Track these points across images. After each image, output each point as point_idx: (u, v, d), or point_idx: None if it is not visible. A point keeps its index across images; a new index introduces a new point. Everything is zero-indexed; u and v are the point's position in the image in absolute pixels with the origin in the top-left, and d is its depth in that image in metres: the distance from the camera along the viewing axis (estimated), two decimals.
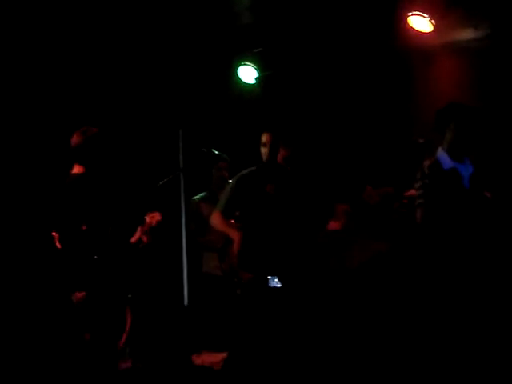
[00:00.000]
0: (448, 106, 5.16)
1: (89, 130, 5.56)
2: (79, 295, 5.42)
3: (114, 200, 5.62)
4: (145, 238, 6.98)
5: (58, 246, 5.90)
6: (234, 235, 5.91)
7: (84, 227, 5.39)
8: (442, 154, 5.08)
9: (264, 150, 6.01)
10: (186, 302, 7.73)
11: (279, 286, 5.83)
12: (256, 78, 8.38)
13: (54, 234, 6.13)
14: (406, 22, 7.04)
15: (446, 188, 4.98)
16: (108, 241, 5.52)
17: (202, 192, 7.24)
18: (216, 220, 6.11)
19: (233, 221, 6.23)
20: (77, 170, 5.49)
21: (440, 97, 6.51)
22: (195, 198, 7.21)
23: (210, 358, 6.61)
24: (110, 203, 5.56)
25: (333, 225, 6.47)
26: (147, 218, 6.96)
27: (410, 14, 6.99)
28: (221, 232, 6.17)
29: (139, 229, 6.94)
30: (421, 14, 6.94)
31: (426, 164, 5.07)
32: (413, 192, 5.29)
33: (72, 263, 5.43)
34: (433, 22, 6.93)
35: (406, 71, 7.42)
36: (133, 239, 6.93)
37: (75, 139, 5.53)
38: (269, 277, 5.88)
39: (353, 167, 7.59)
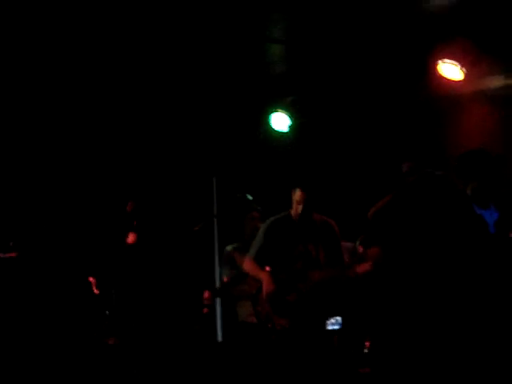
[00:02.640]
0: (469, 153, 5.19)
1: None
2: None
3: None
4: None
5: (96, 291, 6.04)
6: (264, 277, 5.97)
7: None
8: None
9: (297, 206, 6.09)
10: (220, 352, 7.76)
11: (337, 327, 5.91)
12: (289, 126, 8.47)
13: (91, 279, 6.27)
14: (436, 70, 7.08)
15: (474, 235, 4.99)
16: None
17: (235, 240, 7.29)
18: (248, 266, 6.18)
19: (268, 268, 6.29)
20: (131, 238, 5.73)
21: (470, 145, 6.53)
22: (228, 247, 7.25)
23: None
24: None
25: (361, 268, 6.46)
26: None
27: (440, 61, 7.04)
28: (253, 278, 6.22)
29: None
30: (451, 61, 6.98)
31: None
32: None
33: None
34: (463, 69, 6.96)
35: (437, 119, 7.45)
36: None
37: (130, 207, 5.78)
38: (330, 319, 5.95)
39: None
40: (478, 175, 5.09)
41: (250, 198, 7.11)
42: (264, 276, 6.00)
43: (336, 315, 6.57)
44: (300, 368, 5.86)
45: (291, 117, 8.43)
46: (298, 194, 6.07)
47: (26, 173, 8.02)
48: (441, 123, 7.41)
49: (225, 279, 7.12)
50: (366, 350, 6.73)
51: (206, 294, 6.81)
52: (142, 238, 5.82)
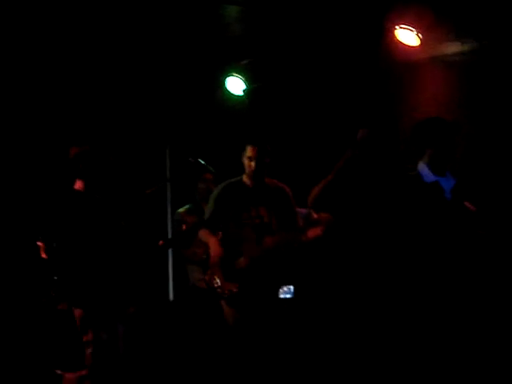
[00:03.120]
0: (426, 121, 5.18)
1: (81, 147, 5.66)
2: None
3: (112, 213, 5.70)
4: None
5: (44, 256, 5.91)
6: (212, 242, 5.95)
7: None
8: (423, 167, 5.10)
9: (249, 163, 6.05)
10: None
11: (289, 296, 5.92)
12: (244, 90, 8.39)
13: (39, 243, 6.14)
14: (393, 36, 7.05)
15: (427, 201, 5.00)
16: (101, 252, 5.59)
17: (187, 204, 7.26)
18: (201, 232, 6.15)
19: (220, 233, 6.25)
20: (78, 185, 5.58)
21: (426, 110, 6.56)
22: (180, 210, 7.24)
23: None
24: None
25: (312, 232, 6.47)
26: None
27: (397, 27, 7.01)
28: (205, 243, 6.19)
29: None
30: (408, 27, 6.95)
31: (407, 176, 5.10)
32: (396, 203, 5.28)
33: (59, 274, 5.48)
34: (419, 35, 6.94)
35: (392, 84, 7.46)
36: None
37: (73, 152, 5.62)
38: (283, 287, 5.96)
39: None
40: (435, 143, 5.07)
41: (203, 162, 7.05)
42: (212, 241, 5.98)
43: (288, 283, 6.57)
44: (250, 335, 5.88)
45: (246, 81, 8.34)
46: (249, 150, 6.04)
47: None
48: (397, 89, 7.42)
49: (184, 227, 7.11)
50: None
51: (161, 242, 6.77)
52: (90, 186, 5.65)
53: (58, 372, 5.50)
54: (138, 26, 7.39)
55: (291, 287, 6.55)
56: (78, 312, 5.46)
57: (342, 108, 7.80)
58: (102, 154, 5.71)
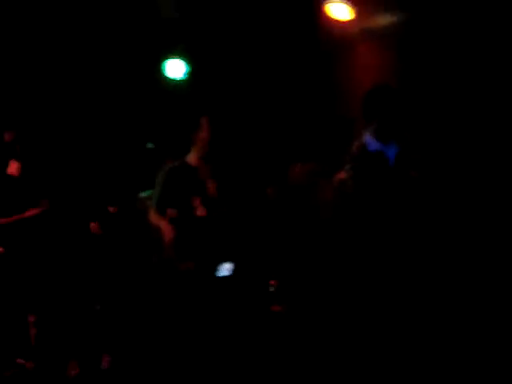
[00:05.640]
0: (375, 90, 5.30)
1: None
2: None
3: None
4: None
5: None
6: (163, 225, 6.05)
7: None
8: (368, 136, 5.27)
9: (202, 135, 6.15)
10: None
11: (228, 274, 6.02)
12: (184, 73, 8.45)
13: None
14: (324, 11, 7.16)
15: (371, 170, 5.18)
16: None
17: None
18: (151, 216, 6.24)
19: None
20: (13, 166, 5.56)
21: (360, 83, 6.67)
22: (142, 194, 7.29)
23: None
24: None
25: None
26: None
27: (328, 2, 7.14)
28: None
29: None
30: (339, 0, 7.08)
31: (353, 146, 5.28)
32: (342, 175, 5.46)
33: None
34: (351, 8, 7.08)
35: (327, 59, 7.55)
36: None
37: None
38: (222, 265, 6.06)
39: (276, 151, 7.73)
40: (382, 111, 5.22)
41: (151, 145, 7.08)
42: (163, 225, 6.07)
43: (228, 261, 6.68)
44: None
45: (185, 63, 8.40)
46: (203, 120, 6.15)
47: None
48: (332, 63, 7.51)
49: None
50: (272, 289, 6.90)
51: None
52: (28, 170, 5.67)
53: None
54: (76, 12, 7.39)
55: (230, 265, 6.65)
56: None
57: (278, 86, 7.90)
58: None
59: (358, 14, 7.09)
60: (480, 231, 5.98)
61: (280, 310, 6.52)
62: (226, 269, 6.21)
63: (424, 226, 5.23)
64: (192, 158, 6.19)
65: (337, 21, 7.17)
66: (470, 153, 6.25)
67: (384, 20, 7.16)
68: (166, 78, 8.53)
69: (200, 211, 6.12)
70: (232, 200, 6.26)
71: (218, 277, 6.10)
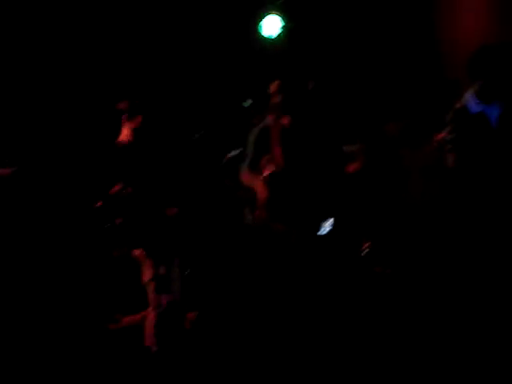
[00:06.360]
0: (481, 49, 5.08)
1: None
2: None
3: None
4: None
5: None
6: (257, 184, 6.04)
7: None
8: (470, 97, 5.10)
9: (274, 100, 6.09)
10: None
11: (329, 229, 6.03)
12: (281, 29, 8.32)
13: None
14: None
15: (473, 133, 5.03)
16: None
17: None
18: (243, 176, 6.24)
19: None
20: None
21: (469, 33, 6.46)
22: (231, 154, 7.27)
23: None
24: None
25: (353, 167, 6.59)
26: None
27: None
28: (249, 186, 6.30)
29: None
30: None
31: (455, 107, 5.12)
32: (443, 135, 5.32)
33: None
34: None
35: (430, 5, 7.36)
36: None
37: None
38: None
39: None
40: (488, 71, 5.00)
41: (248, 103, 7.07)
42: (257, 184, 6.06)
43: (329, 217, 6.65)
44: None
45: (283, 20, 8.27)
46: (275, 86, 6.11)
47: None
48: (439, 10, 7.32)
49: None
50: (366, 251, 6.84)
51: None
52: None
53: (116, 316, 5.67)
54: None
55: (331, 220, 6.61)
56: (137, 252, 5.62)
57: (381, 40, 7.76)
58: None
59: None
60: None
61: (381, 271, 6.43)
62: (328, 225, 6.22)
63: None
64: (270, 120, 6.17)
65: None
66: None
67: None
68: (261, 36, 8.43)
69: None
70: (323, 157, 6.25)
71: (321, 235, 6.11)
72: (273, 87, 6.21)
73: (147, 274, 5.77)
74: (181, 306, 6.15)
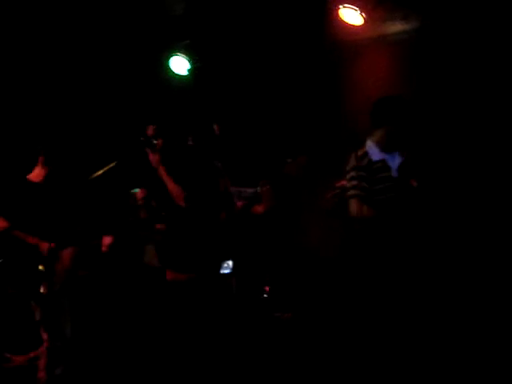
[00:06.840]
0: (384, 98, 5.21)
1: None
2: None
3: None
4: None
5: None
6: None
7: None
8: (371, 145, 5.14)
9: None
10: None
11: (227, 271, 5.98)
12: (188, 70, 8.31)
13: None
14: (336, 15, 7.06)
15: (373, 181, 5.04)
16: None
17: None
18: None
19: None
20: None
21: (369, 90, 6.59)
22: (134, 190, 7.17)
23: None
24: None
25: (258, 208, 6.60)
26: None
27: (340, 6, 7.02)
28: None
29: None
30: (351, 6, 6.97)
31: (356, 155, 5.12)
32: (344, 182, 5.33)
33: None
34: (363, 14, 6.97)
35: (337, 64, 7.45)
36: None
37: None
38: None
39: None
40: (390, 120, 5.11)
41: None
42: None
43: (228, 259, 6.61)
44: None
45: (190, 60, 8.25)
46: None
47: None
48: (341, 68, 7.41)
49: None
50: (264, 295, 6.78)
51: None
52: None
53: (7, 356, 5.46)
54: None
55: (230, 262, 6.58)
56: None
57: (285, 87, 7.79)
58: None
59: (370, 20, 6.98)
60: (480, 239, 5.91)
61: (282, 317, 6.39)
62: (227, 266, 6.18)
63: (425, 233, 5.10)
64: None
65: (348, 25, 7.04)
66: (479, 161, 6.13)
67: (395, 27, 7.10)
68: (171, 73, 8.37)
69: None
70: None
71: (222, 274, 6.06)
72: (149, 131, 6.18)
73: (37, 314, 5.56)
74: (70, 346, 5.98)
